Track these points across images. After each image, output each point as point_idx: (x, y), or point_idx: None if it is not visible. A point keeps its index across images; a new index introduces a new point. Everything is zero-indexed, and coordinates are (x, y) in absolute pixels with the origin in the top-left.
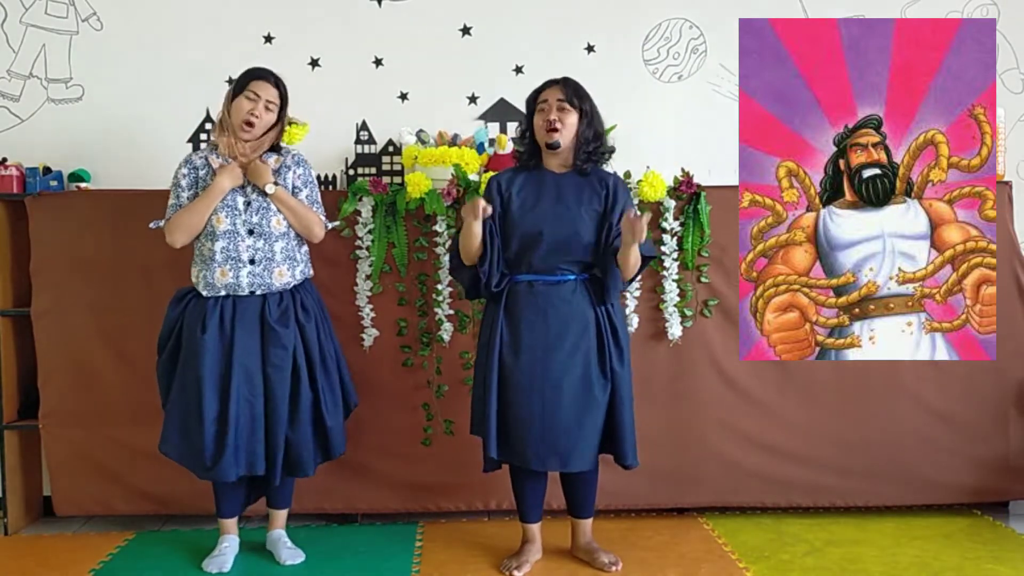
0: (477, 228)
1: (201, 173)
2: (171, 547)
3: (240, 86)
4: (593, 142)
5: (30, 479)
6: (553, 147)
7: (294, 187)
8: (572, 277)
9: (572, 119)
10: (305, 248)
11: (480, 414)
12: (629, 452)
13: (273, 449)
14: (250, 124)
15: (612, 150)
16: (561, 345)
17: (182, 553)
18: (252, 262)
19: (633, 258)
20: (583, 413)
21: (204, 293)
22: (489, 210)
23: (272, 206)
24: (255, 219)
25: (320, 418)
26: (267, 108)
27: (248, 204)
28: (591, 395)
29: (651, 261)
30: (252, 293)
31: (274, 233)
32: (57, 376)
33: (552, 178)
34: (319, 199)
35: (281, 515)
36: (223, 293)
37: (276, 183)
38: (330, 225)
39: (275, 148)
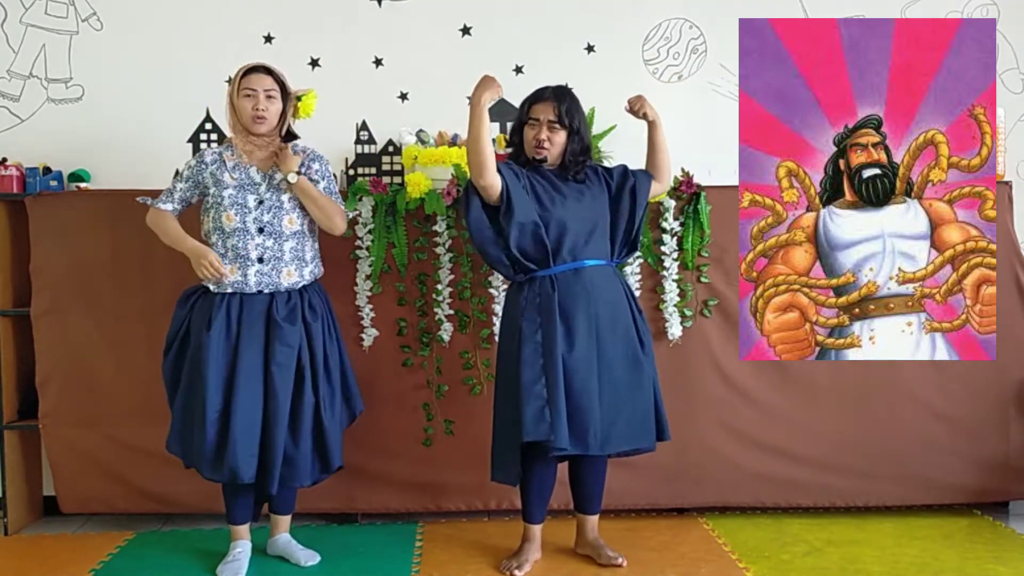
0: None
1: (212, 168)
2: (171, 547)
3: (236, 89)
4: (580, 155)
5: (30, 479)
6: (540, 163)
7: (312, 181)
8: (605, 262)
9: (560, 138)
10: (315, 248)
11: (537, 410)
12: (665, 427)
13: (272, 454)
14: (260, 119)
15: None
16: (613, 328)
17: (182, 553)
18: (260, 260)
19: (659, 138)
20: (637, 393)
21: (212, 289)
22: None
23: (285, 205)
24: (266, 217)
25: (319, 425)
26: (268, 97)
27: (260, 203)
28: (641, 374)
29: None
30: (260, 292)
31: (285, 232)
32: (57, 376)
33: (554, 172)
34: (337, 191)
35: (285, 520)
36: (230, 290)
37: (299, 172)
38: (350, 214)
39: (291, 136)
